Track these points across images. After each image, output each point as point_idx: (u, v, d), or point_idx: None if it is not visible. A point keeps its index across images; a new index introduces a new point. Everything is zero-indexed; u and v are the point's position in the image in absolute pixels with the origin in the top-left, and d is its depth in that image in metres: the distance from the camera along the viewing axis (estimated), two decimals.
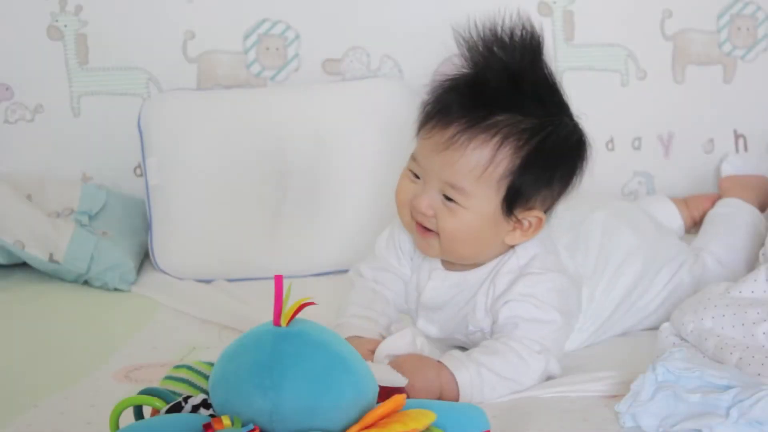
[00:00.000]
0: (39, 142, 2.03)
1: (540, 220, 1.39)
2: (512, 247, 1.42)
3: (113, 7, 2.02)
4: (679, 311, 1.44)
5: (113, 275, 1.80)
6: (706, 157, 2.15)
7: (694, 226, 1.88)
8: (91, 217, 1.88)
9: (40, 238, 1.79)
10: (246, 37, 2.05)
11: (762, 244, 1.79)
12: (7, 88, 2.02)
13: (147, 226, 1.93)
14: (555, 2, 2.10)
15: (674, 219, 1.84)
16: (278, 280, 1.01)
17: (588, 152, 1.41)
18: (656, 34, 2.13)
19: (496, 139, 1.34)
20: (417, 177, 1.39)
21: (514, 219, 1.37)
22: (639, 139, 2.14)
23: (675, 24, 2.13)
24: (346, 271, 1.85)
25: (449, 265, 1.45)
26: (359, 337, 1.39)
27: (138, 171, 2.04)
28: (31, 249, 1.78)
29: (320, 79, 2.05)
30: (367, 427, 0.99)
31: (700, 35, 2.14)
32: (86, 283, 1.82)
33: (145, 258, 1.93)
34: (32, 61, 2.02)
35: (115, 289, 1.81)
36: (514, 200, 1.36)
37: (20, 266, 1.86)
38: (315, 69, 2.07)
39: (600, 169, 2.08)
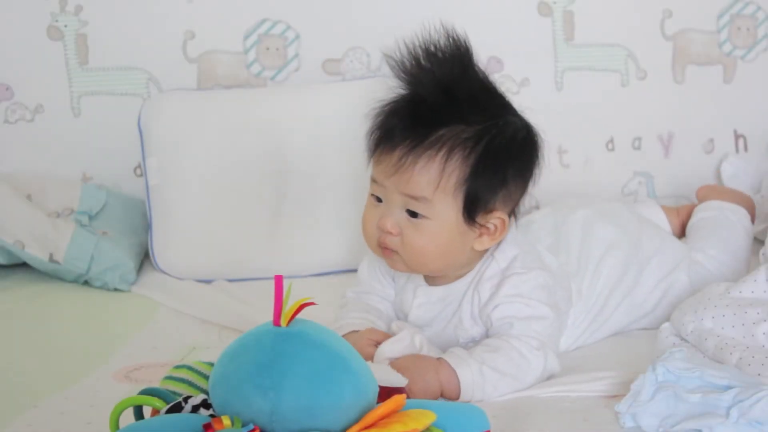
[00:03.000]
0: (39, 142, 2.03)
1: (503, 221, 1.39)
2: (488, 252, 1.43)
3: (113, 7, 2.02)
4: (679, 311, 1.44)
5: (113, 275, 1.80)
6: (706, 157, 2.15)
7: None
8: (91, 217, 1.88)
9: (40, 238, 1.79)
10: (246, 37, 2.05)
11: (753, 240, 1.80)
12: (7, 88, 2.02)
13: (147, 226, 1.93)
14: (555, 2, 2.10)
15: (662, 225, 1.83)
16: (278, 280, 1.01)
17: (539, 145, 1.41)
18: (656, 34, 2.13)
19: (442, 152, 1.34)
20: (380, 200, 1.40)
21: (477, 225, 1.38)
22: (639, 139, 2.14)
23: (675, 24, 2.13)
24: (346, 271, 1.86)
25: (432, 280, 1.46)
26: (356, 332, 1.40)
27: (138, 171, 2.05)
28: (31, 249, 1.78)
29: (320, 79, 2.05)
30: (367, 427, 0.99)
31: (700, 35, 2.14)
32: (86, 283, 1.82)
33: (145, 258, 1.93)
34: (32, 61, 2.02)
35: (115, 289, 1.81)
36: (473, 207, 1.36)
37: (20, 266, 1.86)
38: (315, 69, 2.07)
39: (600, 169, 2.12)
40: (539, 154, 1.41)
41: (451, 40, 1.38)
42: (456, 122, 1.35)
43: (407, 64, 1.38)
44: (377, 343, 1.35)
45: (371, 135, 1.41)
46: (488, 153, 1.35)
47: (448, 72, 1.37)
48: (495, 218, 1.39)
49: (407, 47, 1.38)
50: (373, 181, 1.41)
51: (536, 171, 1.41)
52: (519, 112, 1.41)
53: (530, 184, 1.41)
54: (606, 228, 1.58)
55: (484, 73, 1.40)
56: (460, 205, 1.36)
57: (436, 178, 1.34)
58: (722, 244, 1.70)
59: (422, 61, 1.38)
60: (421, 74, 1.38)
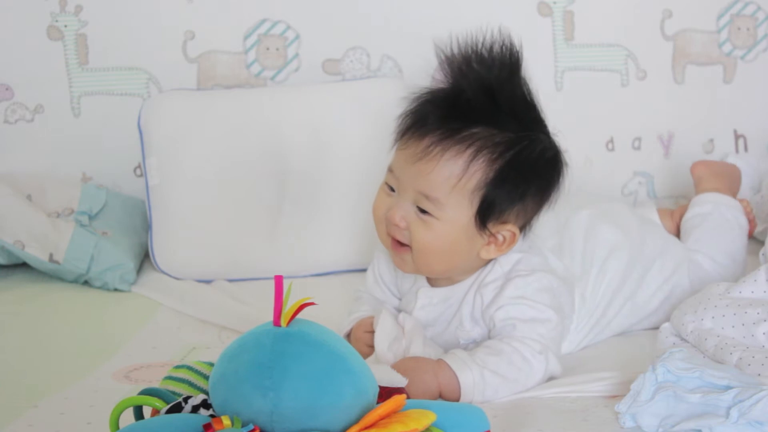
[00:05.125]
0: (39, 142, 2.03)
1: (514, 235, 1.39)
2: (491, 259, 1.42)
3: (113, 7, 2.02)
4: (678, 311, 1.44)
5: (113, 275, 1.80)
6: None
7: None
8: (91, 217, 1.88)
9: (40, 238, 1.79)
10: (246, 37, 2.05)
11: (753, 240, 1.80)
12: (7, 88, 2.02)
13: (147, 226, 1.93)
14: (555, 2, 2.10)
15: None
16: (278, 280, 1.01)
17: (563, 169, 1.41)
18: (656, 34, 2.13)
19: (470, 150, 1.34)
20: (393, 190, 1.40)
21: (488, 233, 1.37)
22: (639, 139, 2.14)
23: (675, 24, 2.13)
24: (345, 271, 1.86)
25: (435, 281, 1.46)
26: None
27: (138, 171, 2.05)
28: (31, 249, 1.78)
29: (320, 79, 2.05)
30: (367, 427, 0.99)
31: (700, 35, 2.14)
32: (86, 283, 1.82)
33: (145, 258, 1.93)
34: (32, 61, 2.02)
35: (115, 289, 1.81)
36: (487, 213, 1.36)
37: (20, 266, 1.86)
38: (315, 69, 2.07)
39: (600, 169, 2.12)
40: (562, 178, 1.40)
41: (504, 46, 1.37)
42: (490, 125, 1.35)
43: (457, 59, 1.38)
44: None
45: (403, 119, 1.40)
46: (515, 163, 1.35)
47: (495, 75, 1.36)
48: (506, 230, 1.38)
49: (461, 43, 1.37)
50: (390, 170, 1.40)
51: (556, 193, 1.40)
52: (551, 133, 1.41)
53: (547, 205, 1.40)
54: (609, 229, 1.57)
55: (528, 86, 1.39)
56: (474, 209, 1.35)
57: (457, 175, 1.34)
58: (720, 246, 1.70)
59: (475, 60, 1.37)
60: (468, 71, 1.37)
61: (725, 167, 1.97)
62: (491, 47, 1.37)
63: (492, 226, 1.37)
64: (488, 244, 1.39)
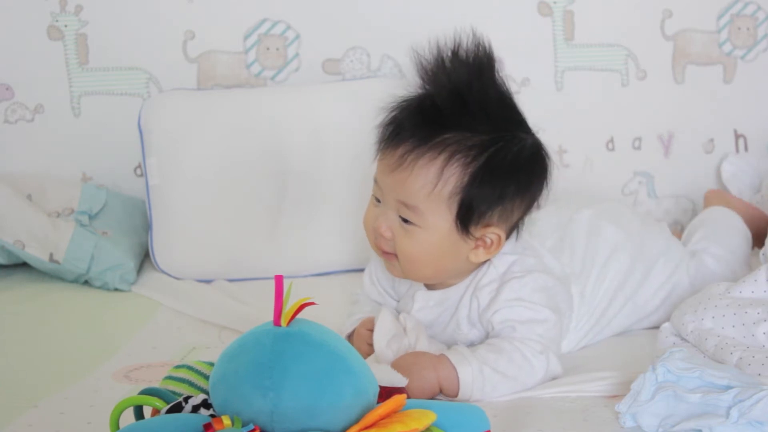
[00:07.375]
0: (39, 142, 2.03)
1: (500, 237, 1.38)
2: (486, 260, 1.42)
3: (113, 7, 2.02)
4: (679, 311, 1.44)
5: (113, 275, 1.80)
6: (706, 157, 2.15)
7: None
8: (91, 217, 1.88)
9: (40, 238, 1.79)
10: (246, 37, 2.05)
11: (753, 246, 1.80)
12: (7, 88, 2.02)
13: (147, 226, 1.93)
14: (555, 2, 2.10)
15: None
16: (278, 280, 1.01)
17: (547, 166, 1.40)
18: (656, 34, 2.13)
19: (443, 156, 1.33)
20: (379, 201, 1.40)
21: (472, 237, 1.37)
22: (639, 139, 2.14)
23: (675, 24, 2.13)
24: (345, 271, 1.86)
25: (430, 284, 1.46)
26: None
27: (138, 171, 2.05)
28: (31, 249, 1.78)
29: (320, 79, 2.05)
30: (367, 427, 0.99)
31: (700, 35, 2.14)
32: (86, 283, 1.82)
33: (145, 258, 1.93)
34: (32, 61, 2.02)
35: (115, 289, 1.81)
36: (467, 217, 1.35)
37: (20, 266, 1.86)
38: (315, 69, 2.07)
39: (600, 169, 2.12)
40: (545, 177, 1.39)
41: (476, 47, 1.36)
42: (463, 129, 1.34)
43: (428, 63, 1.37)
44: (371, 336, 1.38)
45: (380, 129, 1.40)
46: (490, 165, 1.34)
47: (465, 78, 1.36)
48: (490, 233, 1.38)
49: (432, 47, 1.37)
50: (375, 181, 1.41)
51: (541, 193, 1.39)
52: (533, 132, 1.40)
53: (533, 205, 1.40)
54: (611, 229, 1.57)
55: (505, 85, 1.39)
56: (453, 214, 1.35)
57: (432, 181, 1.34)
58: (725, 244, 1.70)
59: (443, 63, 1.36)
60: (440, 75, 1.37)
61: (740, 204, 1.96)
62: (457, 49, 1.36)
63: (475, 230, 1.36)
64: (476, 247, 1.39)
